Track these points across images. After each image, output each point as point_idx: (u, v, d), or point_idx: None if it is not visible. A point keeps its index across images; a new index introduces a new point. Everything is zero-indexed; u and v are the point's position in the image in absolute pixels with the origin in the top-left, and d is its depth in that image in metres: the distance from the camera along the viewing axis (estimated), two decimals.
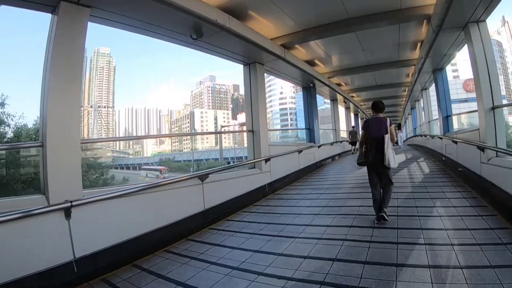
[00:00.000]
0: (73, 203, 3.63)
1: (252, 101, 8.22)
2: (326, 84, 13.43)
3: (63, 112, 3.86)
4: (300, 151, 10.43)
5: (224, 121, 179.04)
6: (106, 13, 4.64)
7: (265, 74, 9.00)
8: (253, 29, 7.15)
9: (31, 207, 3.35)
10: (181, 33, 5.96)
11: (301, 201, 7.01)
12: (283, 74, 10.70)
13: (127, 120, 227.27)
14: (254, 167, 7.87)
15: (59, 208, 3.55)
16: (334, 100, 17.74)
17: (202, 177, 5.69)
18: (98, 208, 3.98)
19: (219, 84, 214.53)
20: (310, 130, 13.23)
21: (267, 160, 8.02)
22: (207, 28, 5.82)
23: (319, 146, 12.83)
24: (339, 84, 15.85)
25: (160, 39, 6.17)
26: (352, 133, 19.80)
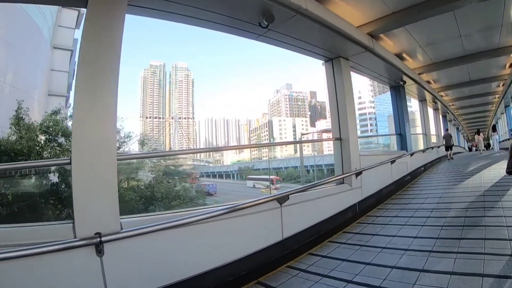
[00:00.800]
0: (104, 238, 2.77)
1: (339, 104, 6.88)
2: (416, 81, 11.61)
3: (94, 122, 3.01)
4: (393, 161, 8.76)
5: (303, 129, 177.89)
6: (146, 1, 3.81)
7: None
8: (335, 13, 5.80)
9: (49, 240, 2.61)
10: (248, 21, 4.88)
11: (403, 229, 5.40)
12: (369, 70, 9.09)
13: (207, 130, 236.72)
14: (343, 183, 6.47)
15: (85, 243, 2.71)
16: (422, 101, 15.68)
17: (281, 200, 4.50)
18: (142, 241, 3.08)
19: (296, 92, 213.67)
20: (402, 136, 11.49)
21: (358, 174, 6.58)
22: (279, 12, 4.64)
23: (411, 154, 10.94)
24: (428, 82, 13.81)
25: (222, 30, 5.13)
26: (447, 137, 17.77)
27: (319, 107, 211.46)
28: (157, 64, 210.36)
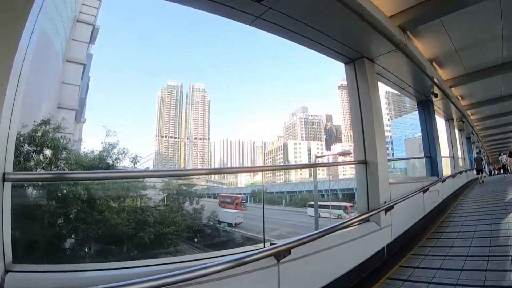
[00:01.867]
0: None
1: (363, 117, 5.34)
2: (447, 96, 9.99)
3: None
4: (425, 190, 7.12)
5: (318, 152, 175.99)
6: None
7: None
8: None
9: None
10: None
11: None
12: (396, 79, 7.49)
13: (222, 151, 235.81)
14: (368, 220, 4.84)
15: None
16: (449, 120, 14.22)
17: (279, 255, 2.97)
18: None
19: (311, 115, 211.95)
20: (431, 159, 9.91)
21: (389, 209, 4.98)
22: None
23: (443, 181, 9.27)
24: (457, 98, 12.17)
25: (210, 11, 3.83)
26: (478, 160, 17.62)
27: (334, 130, 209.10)
28: (174, 84, 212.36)
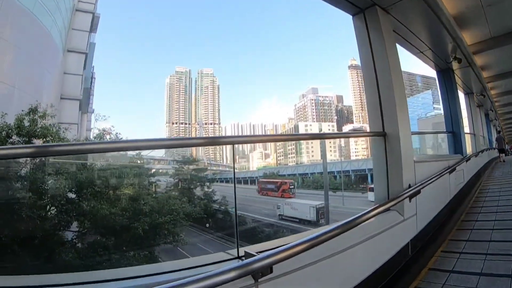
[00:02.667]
0: None
1: (379, 80, 4.22)
2: (469, 64, 8.77)
3: None
4: (451, 170, 6.00)
5: (329, 129, 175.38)
6: None
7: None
8: None
9: None
10: None
11: None
12: (414, 37, 6.20)
13: (233, 135, 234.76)
14: (389, 210, 3.58)
15: None
16: (469, 94, 13.16)
17: (257, 274, 1.97)
18: None
19: (322, 96, 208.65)
20: (455, 135, 8.80)
21: (414, 194, 3.87)
22: None
23: (467, 160, 8.20)
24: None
25: None
26: (499, 139, 18.25)
27: (345, 111, 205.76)
28: (182, 70, 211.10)
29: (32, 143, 11.18)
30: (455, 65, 8.25)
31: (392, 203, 3.40)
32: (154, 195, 17.18)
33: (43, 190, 11.09)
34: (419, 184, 4.07)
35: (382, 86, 4.18)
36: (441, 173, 5.30)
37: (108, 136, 16.11)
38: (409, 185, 3.99)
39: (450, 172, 5.95)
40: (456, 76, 9.70)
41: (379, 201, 3.81)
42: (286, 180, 43.62)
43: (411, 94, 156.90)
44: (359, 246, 3.01)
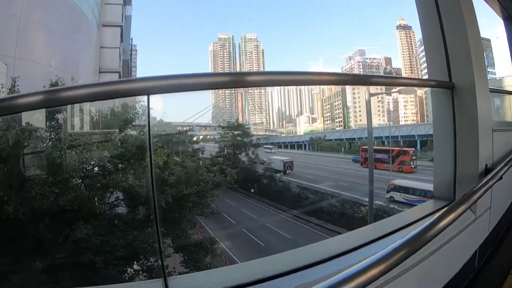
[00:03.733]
0: None
1: (441, 8, 2.66)
2: None
3: None
4: None
5: (378, 97, 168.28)
6: None
7: None
8: None
9: None
10: None
11: None
12: None
13: (280, 100, 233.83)
14: (457, 207, 1.80)
15: None
16: None
17: None
18: None
19: (369, 58, 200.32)
20: None
21: (494, 182, 2.26)
22: None
23: None
24: None
25: None
26: None
27: (394, 73, 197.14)
28: (225, 37, 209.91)
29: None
30: None
31: (465, 205, 1.95)
32: (182, 164, 16.75)
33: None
34: (501, 165, 2.61)
35: (445, 17, 2.65)
36: None
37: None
38: (486, 165, 2.60)
39: None
40: None
41: (440, 190, 2.54)
42: (405, 149, 34.31)
43: None
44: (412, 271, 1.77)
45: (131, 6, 35.07)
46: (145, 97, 1.56)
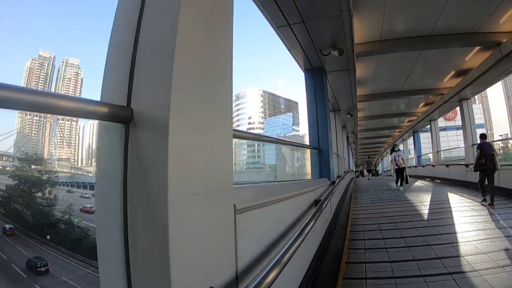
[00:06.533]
0: None
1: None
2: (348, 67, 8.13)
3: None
4: (318, 207, 3.88)
5: None
6: None
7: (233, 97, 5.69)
8: None
9: None
10: None
11: None
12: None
13: (91, 136, 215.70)
14: None
15: None
16: (336, 111, 12.87)
17: None
18: None
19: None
20: (321, 152, 7.63)
21: None
22: None
23: (334, 181, 7.34)
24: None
25: None
26: (369, 162, 24.13)
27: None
28: (47, 55, 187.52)
29: None
30: (334, 53, 6.72)
31: None
32: None
33: None
34: None
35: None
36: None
37: None
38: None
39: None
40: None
41: None
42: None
43: (274, 114, 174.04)
44: None
45: None
46: None
